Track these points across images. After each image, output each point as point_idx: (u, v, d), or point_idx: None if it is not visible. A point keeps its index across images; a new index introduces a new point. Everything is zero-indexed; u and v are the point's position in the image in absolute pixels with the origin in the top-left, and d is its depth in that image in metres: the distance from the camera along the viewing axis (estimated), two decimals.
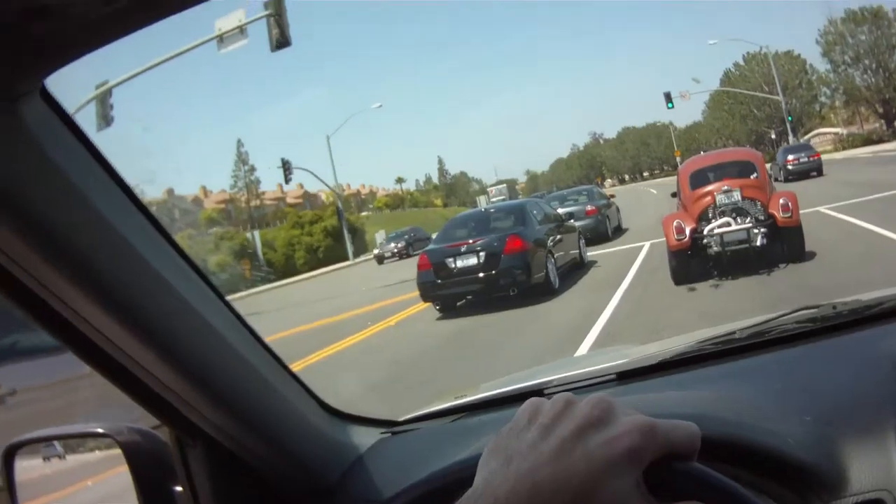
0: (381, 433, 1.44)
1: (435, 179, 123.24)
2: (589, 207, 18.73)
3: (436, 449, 1.25)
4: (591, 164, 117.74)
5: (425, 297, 12.58)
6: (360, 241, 51.44)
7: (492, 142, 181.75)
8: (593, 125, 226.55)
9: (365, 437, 1.38)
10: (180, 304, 0.94)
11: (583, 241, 14.87)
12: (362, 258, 45.47)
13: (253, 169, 69.27)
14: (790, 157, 28.10)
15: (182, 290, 0.94)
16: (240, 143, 77.44)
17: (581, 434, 0.57)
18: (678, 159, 58.71)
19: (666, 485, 0.56)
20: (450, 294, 12.29)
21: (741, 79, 67.55)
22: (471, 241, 12.15)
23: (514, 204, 14.92)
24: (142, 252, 0.87)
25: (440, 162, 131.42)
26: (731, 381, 1.18)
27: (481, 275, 11.78)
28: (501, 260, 11.64)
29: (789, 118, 51.39)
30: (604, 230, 18.46)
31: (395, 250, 37.11)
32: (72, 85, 0.84)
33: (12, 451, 1.34)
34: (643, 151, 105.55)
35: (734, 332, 1.38)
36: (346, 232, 46.55)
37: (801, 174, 26.79)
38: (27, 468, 1.38)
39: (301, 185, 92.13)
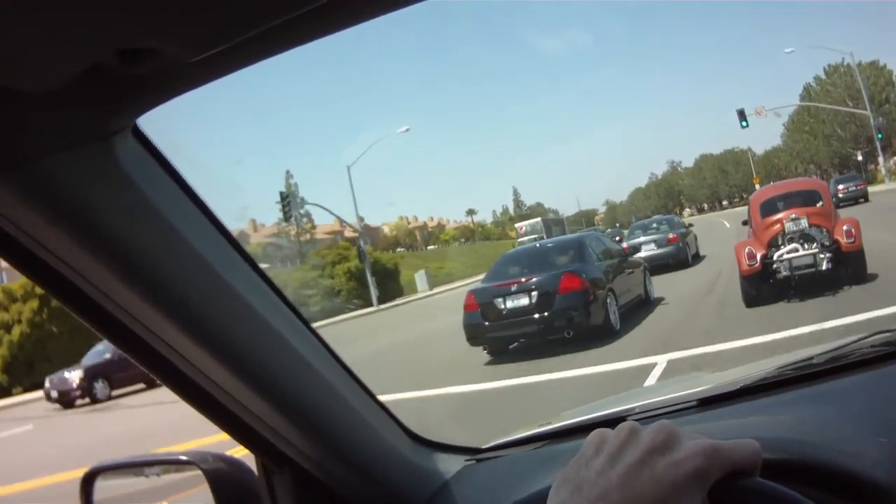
0: (466, 460, 1.50)
1: (512, 211, 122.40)
2: (671, 235, 20.29)
3: (519, 476, 1.30)
4: (669, 194, 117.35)
5: (472, 340, 12.11)
6: (393, 284, 44.64)
7: (571, 173, 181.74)
8: (671, 153, 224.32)
9: (449, 464, 1.45)
10: (269, 334, 0.99)
11: (648, 277, 14.44)
12: (392, 303, 39.70)
13: (303, 202, 68.47)
14: (840, 187, 34.49)
15: (271, 320, 0.99)
16: (288, 175, 75.82)
17: (647, 459, 0.61)
18: (757, 187, 57.25)
19: (730, 501, 0.60)
20: (499, 337, 11.78)
21: (823, 94, 65.00)
22: (523, 279, 11.66)
23: (570, 238, 14.57)
24: (231, 283, 0.93)
25: (515, 192, 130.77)
26: (810, 405, 1.23)
27: (534, 316, 11.26)
28: (556, 300, 11.14)
29: (879, 136, 48.33)
30: (684, 256, 19.90)
31: None
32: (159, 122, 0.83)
33: (92, 477, 1.39)
34: (721, 179, 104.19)
35: (812, 357, 1.43)
36: (368, 273, 40.29)
37: (850, 200, 32.47)
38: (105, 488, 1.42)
39: (362, 218, 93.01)
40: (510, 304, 11.39)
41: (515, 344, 11.99)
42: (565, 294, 11.07)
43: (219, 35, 0.64)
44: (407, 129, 50.73)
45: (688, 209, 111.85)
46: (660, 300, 13.99)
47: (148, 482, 1.51)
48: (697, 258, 21.15)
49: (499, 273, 12.56)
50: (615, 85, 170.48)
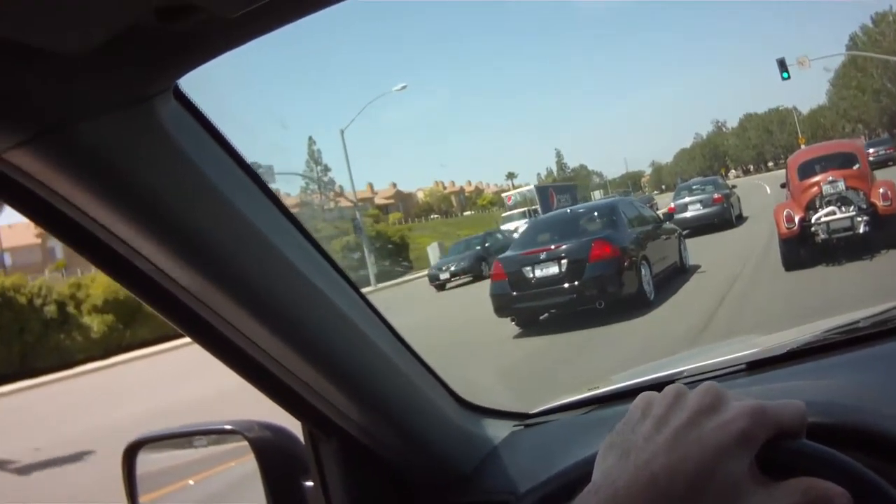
0: (514, 426, 1.51)
1: (555, 174, 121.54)
2: (716, 195, 20.93)
3: (569, 441, 1.31)
4: (715, 155, 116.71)
5: (500, 311, 11.89)
6: (400, 259, 42.32)
7: (617, 135, 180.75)
8: (716, 113, 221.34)
9: (498, 430, 1.46)
10: (317, 298, 1.00)
11: (684, 243, 14.20)
12: (394, 282, 35.65)
13: (327, 169, 65.88)
14: (871, 150, 32.81)
15: (319, 284, 0.99)
16: (311, 141, 72.41)
17: (694, 422, 0.62)
18: (803, 147, 56.12)
19: (778, 463, 0.61)
20: (528, 308, 11.60)
21: (871, 44, 62.37)
22: (552, 246, 11.44)
23: (603, 203, 14.35)
24: (279, 246, 0.93)
25: (558, 155, 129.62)
26: (857, 369, 1.23)
27: (564, 286, 11.05)
28: (587, 268, 10.93)
29: None
30: (729, 217, 20.62)
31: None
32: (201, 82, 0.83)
33: (135, 449, 1.41)
34: (766, 139, 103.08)
35: (858, 321, 1.45)
36: (365, 249, 36.72)
37: (881, 164, 31.21)
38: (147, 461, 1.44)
39: (394, 185, 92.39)
40: (539, 272, 11.19)
41: (546, 315, 11.85)
42: (596, 262, 10.87)
43: None
44: (403, 87, 45.15)
45: (733, 170, 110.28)
46: (696, 268, 13.79)
47: (194, 452, 1.51)
48: (741, 219, 21.78)
49: (528, 240, 12.40)
50: (660, 45, 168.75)
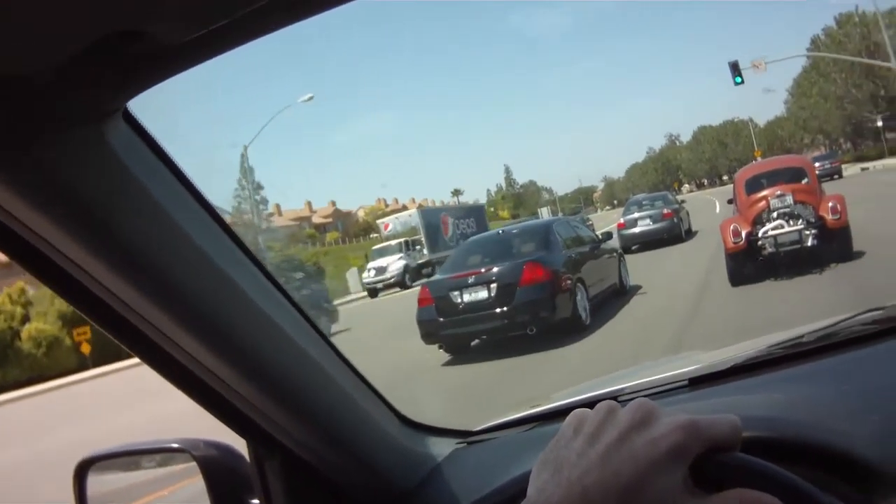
0: (457, 443, 1.57)
1: (504, 189, 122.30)
2: (666, 211, 21.85)
3: (510, 458, 1.36)
4: (667, 169, 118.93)
5: (427, 338, 11.81)
6: (315, 286, 35.56)
7: (570, 150, 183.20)
8: (670, 126, 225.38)
9: (441, 447, 1.52)
10: (261, 318, 1.05)
11: (624, 264, 14.37)
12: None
13: (259, 186, 62.52)
14: (817, 164, 38.35)
15: (262, 304, 1.05)
16: (244, 157, 72.77)
17: (625, 438, 0.65)
18: (758, 160, 56.91)
19: (712, 476, 0.63)
20: (456, 334, 11.45)
21: (835, 46, 58.80)
22: (482, 269, 11.33)
23: (536, 224, 14.46)
24: (223, 267, 0.99)
25: (507, 171, 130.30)
26: (801, 383, 1.29)
27: (494, 311, 10.93)
28: (518, 293, 10.82)
29: None
30: (678, 232, 21.57)
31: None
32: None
33: (85, 467, 1.45)
34: (720, 152, 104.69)
35: (802, 336, 1.51)
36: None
37: (826, 177, 31.41)
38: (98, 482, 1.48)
39: (333, 203, 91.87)
40: (467, 297, 11.11)
41: (477, 341, 11.79)
42: (528, 286, 10.80)
43: (209, 15, 0.68)
44: (310, 98, 41.35)
45: (687, 185, 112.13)
46: (637, 288, 13.92)
47: (143, 471, 1.57)
48: (690, 233, 23.01)
49: (457, 263, 12.29)
50: (614, 62, 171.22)
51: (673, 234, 21.22)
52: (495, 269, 11.15)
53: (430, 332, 11.62)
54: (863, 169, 41.91)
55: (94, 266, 0.87)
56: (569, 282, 11.19)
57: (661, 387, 1.53)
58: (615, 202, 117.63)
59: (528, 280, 10.78)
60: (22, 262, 0.88)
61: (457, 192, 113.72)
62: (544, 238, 12.09)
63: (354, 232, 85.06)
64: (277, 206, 73.20)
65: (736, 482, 0.61)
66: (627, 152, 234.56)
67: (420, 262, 33.90)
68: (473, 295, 11.04)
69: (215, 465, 1.33)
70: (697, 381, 1.49)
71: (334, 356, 1.24)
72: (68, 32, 0.64)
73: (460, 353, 11.69)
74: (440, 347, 11.75)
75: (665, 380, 1.55)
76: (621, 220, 22.26)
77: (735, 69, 32.57)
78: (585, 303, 11.49)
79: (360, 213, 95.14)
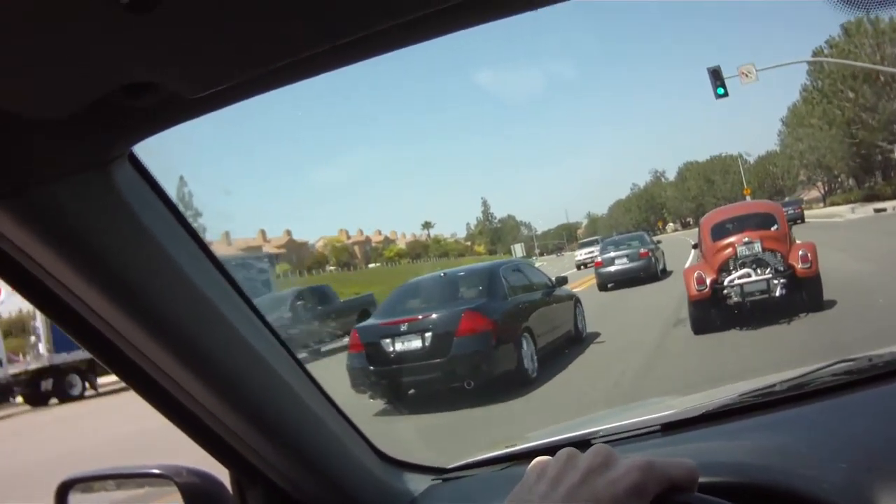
0: (433, 480, 1.68)
1: (482, 224, 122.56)
2: (642, 250, 23.80)
3: (484, 496, 1.49)
4: (651, 206, 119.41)
5: (356, 387, 11.55)
6: None
7: (554, 185, 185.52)
8: (655, 162, 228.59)
9: (417, 484, 1.64)
10: (247, 352, 1.18)
11: (581, 310, 14.41)
12: None
13: (198, 214, 61.05)
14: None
15: (249, 339, 1.17)
16: (182, 181, 71.53)
17: (586, 480, 0.72)
18: (748, 198, 56.95)
19: None
20: (386, 385, 11.37)
21: (842, 59, 50.60)
22: (419, 316, 11.24)
23: (481, 267, 13.96)
24: (214, 302, 1.10)
25: (485, 204, 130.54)
26: (772, 431, 1.40)
27: (428, 362, 10.76)
28: (454, 343, 10.68)
29: None
30: (654, 271, 23.44)
31: None
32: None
33: (66, 488, 1.55)
34: (707, 190, 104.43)
35: (774, 385, 1.62)
36: None
37: (790, 222, 34.06)
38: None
39: (288, 233, 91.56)
40: (399, 346, 10.94)
41: (412, 391, 11.74)
42: (465, 336, 10.66)
43: (220, 74, 0.76)
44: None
45: (671, 224, 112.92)
46: (594, 336, 14.05)
47: (121, 494, 1.66)
48: (665, 273, 24.47)
49: (393, 308, 12.26)
50: (593, 92, 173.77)
51: (649, 272, 23.09)
52: (432, 317, 11.09)
53: (359, 381, 11.43)
54: (876, 211, 38.22)
55: (92, 297, 0.97)
56: (514, 331, 11.18)
57: (634, 431, 1.62)
58: (598, 239, 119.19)
59: (467, 330, 10.68)
60: (28, 294, 1.00)
61: (428, 225, 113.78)
62: (489, 283, 12.06)
63: (309, 264, 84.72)
64: (226, 233, 72.65)
65: None
66: (612, 188, 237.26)
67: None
68: (406, 344, 10.91)
69: (197, 492, 1.41)
70: (670, 427, 1.60)
71: (316, 391, 1.36)
72: (85, 80, 0.71)
73: (394, 401, 11.49)
74: (371, 397, 11.52)
75: (638, 424, 1.65)
76: (598, 259, 24.63)
77: (716, 78, 26.99)
78: (533, 353, 11.45)
79: (319, 244, 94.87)
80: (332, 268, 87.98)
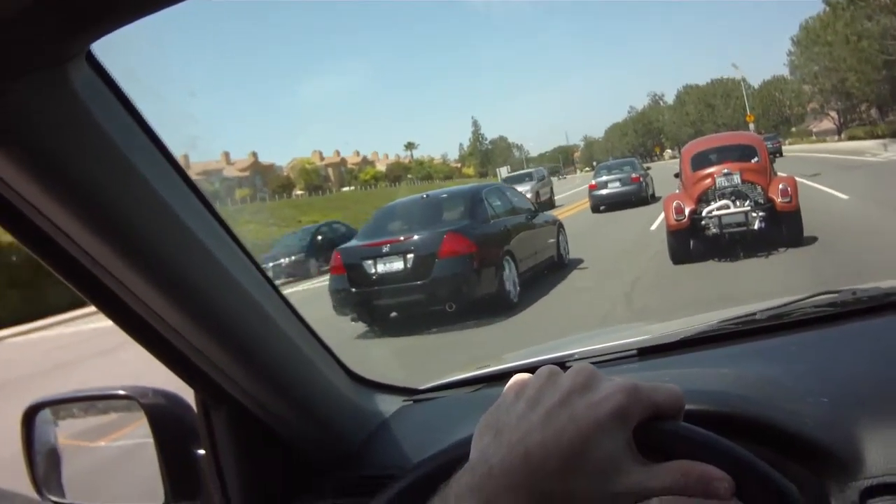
0: (404, 401, 1.73)
1: (473, 145, 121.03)
2: (634, 175, 26.59)
3: (456, 418, 1.49)
4: (648, 131, 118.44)
5: (338, 309, 11.91)
6: None
7: (549, 106, 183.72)
8: (655, 85, 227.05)
9: (388, 404, 1.68)
10: (213, 267, 1.16)
11: (563, 236, 14.84)
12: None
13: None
14: None
15: (216, 253, 1.16)
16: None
17: (566, 400, 0.71)
18: (751, 125, 56.71)
19: (655, 444, 0.69)
20: (368, 307, 11.68)
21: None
22: (400, 238, 11.51)
23: (463, 190, 14.26)
24: (178, 213, 1.08)
25: (475, 124, 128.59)
26: (752, 360, 1.44)
27: (409, 284, 11.15)
28: (436, 265, 11.06)
29: None
30: (644, 195, 26.08)
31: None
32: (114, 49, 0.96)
33: (33, 412, 1.60)
34: (707, 115, 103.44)
35: (755, 313, 1.65)
36: None
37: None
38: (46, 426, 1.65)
39: (254, 154, 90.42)
40: (382, 267, 11.27)
41: (394, 314, 12.01)
42: (447, 258, 11.00)
43: None
44: None
45: (669, 150, 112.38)
46: (577, 262, 14.55)
47: (91, 417, 1.74)
48: (654, 198, 26.31)
49: (375, 229, 12.45)
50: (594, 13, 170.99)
51: (640, 196, 25.67)
52: (414, 238, 11.32)
53: (340, 303, 11.75)
54: None
55: (49, 207, 0.95)
56: (495, 255, 11.39)
57: (609, 355, 1.67)
58: (594, 163, 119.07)
59: (448, 252, 10.96)
60: None
61: (411, 146, 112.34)
62: (471, 206, 12.25)
63: (275, 188, 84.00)
64: (185, 156, 72.12)
65: (680, 452, 0.68)
66: (610, 110, 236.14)
67: None
68: (388, 266, 11.18)
69: (162, 413, 1.45)
70: (646, 352, 1.64)
71: (286, 309, 1.35)
72: None
73: (373, 324, 11.85)
74: (353, 320, 11.82)
75: (614, 348, 1.70)
76: (592, 182, 27.31)
77: None
78: (515, 277, 11.74)
79: (286, 168, 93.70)
80: (299, 192, 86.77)
